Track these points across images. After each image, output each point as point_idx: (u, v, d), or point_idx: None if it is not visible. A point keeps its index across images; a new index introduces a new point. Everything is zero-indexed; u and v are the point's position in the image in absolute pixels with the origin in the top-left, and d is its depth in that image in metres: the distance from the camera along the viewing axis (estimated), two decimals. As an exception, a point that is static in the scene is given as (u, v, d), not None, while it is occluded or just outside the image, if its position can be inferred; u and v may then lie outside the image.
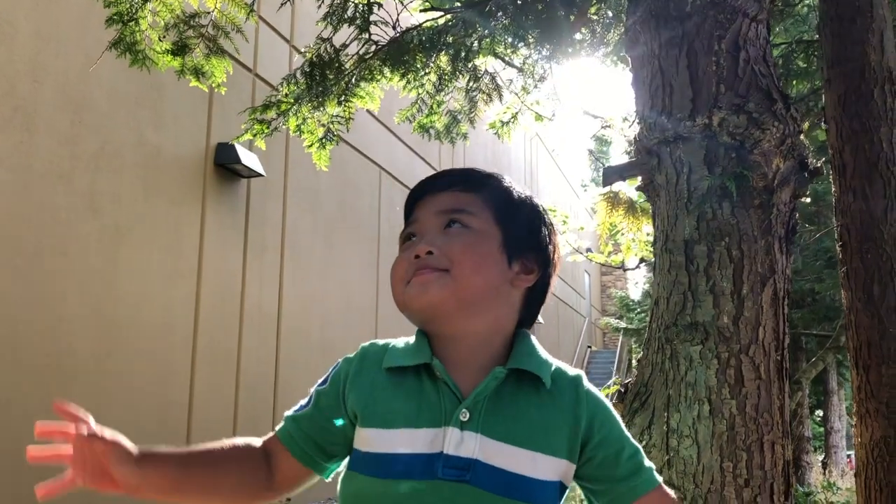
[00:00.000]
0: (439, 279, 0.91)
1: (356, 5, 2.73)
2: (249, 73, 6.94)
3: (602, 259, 5.37)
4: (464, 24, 3.10)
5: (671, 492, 1.00)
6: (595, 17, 2.44)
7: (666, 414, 1.35)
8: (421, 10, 3.00)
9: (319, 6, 2.72)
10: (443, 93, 3.31)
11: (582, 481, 0.95)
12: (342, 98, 2.81)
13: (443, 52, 3.12)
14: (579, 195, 18.75)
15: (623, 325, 11.05)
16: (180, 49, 2.82)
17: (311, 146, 2.90)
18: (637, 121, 1.58)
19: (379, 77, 3.21)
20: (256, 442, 0.98)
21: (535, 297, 1.00)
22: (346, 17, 2.76)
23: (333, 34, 2.83)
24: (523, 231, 0.99)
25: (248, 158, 6.41)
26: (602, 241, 3.10)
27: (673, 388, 1.35)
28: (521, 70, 3.26)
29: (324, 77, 2.97)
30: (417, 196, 1.00)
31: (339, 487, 0.93)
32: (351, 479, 0.91)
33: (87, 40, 5.04)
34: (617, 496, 0.94)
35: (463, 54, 3.18)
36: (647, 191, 1.54)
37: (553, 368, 0.96)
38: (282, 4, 2.51)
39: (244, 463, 0.96)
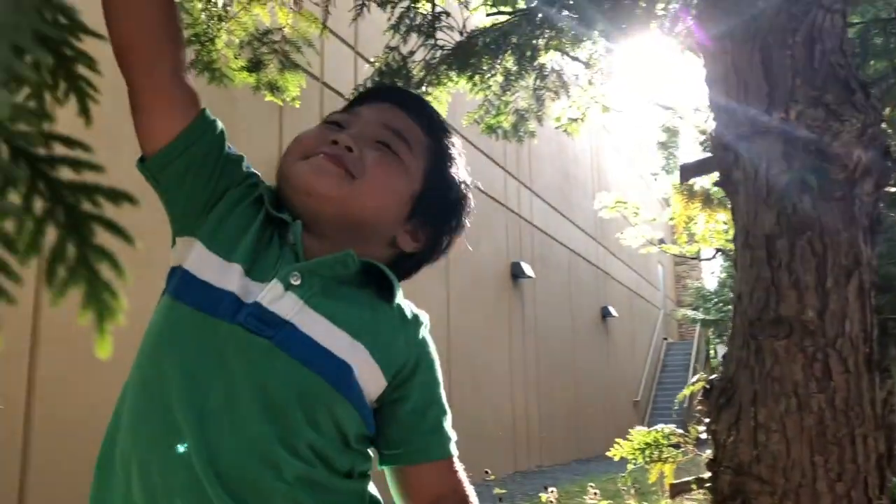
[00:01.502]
0: (340, 177, 0.86)
1: (424, 15, 2.78)
2: (317, 81, 7.09)
3: (676, 250, 5.30)
4: (529, 23, 3.12)
5: (461, 469, 0.93)
6: (663, 13, 2.43)
7: (753, 409, 1.35)
8: (487, 14, 3.03)
9: (388, 18, 2.78)
10: (509, 93, 3.33)
11: (380, 424, 0.88)
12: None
13: (508, 53, 3.15)
14: (650, 185, 18.42)
15: (700, 315, 10.85)
16: (255, 65, 2.92)
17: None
18: (712, 116, 1.58)
19: (446, 81, 3.26)
20: (182, 68, 0.87)
21: (399, 267, 0.95)
22: (413, 25, 2.82)
23: (402, 44, 2.89)
24: (440, 201, 0.95)
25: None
26: (678, 234, 3.08)
27: (759, 383, 1.35)
28: (587, 65, 3.26)
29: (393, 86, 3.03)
30: (377, 97, 0.96)
31: (155, 312, 0.86)
32: (165, 304, 0.85)
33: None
34: (409, 451, 0.89)
35: (528, 53, 3.20)
36: (726, 186, 1.54)
37: (404, 300, 0.94)
38: (353, 20, 2.57)
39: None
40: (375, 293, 0.90)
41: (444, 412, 0.93)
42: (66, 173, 0.21)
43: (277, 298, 0.82)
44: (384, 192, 0.89)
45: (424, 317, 0.96)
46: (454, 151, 1.00)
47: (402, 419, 0.89)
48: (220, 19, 2.79)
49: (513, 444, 10.96)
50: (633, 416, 17.00)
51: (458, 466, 0.93)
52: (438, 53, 3.17)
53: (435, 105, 3.31)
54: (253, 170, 0.94)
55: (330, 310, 0.84)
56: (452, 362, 9.24)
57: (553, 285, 13.17)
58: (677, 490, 1.34)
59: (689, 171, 1.57)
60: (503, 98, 3.26)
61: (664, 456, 1.37)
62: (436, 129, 0.97)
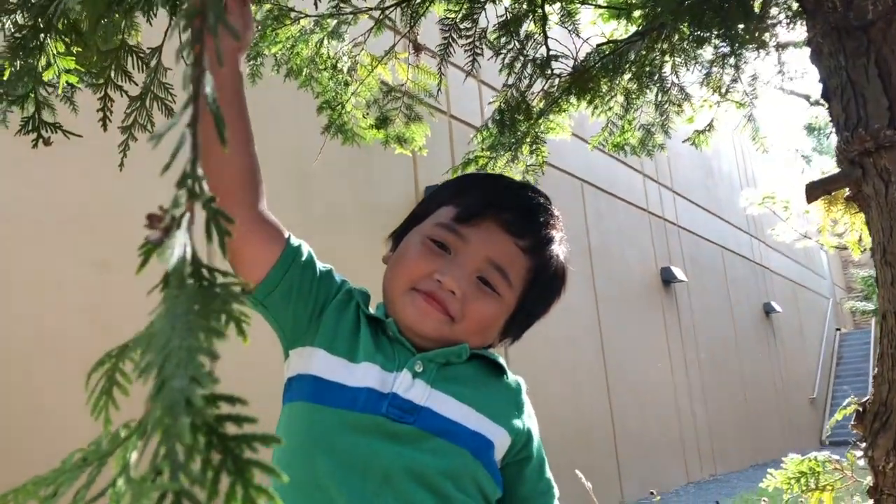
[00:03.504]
0: (441, 322, 0.96)
1: (535, 56, 2.84)
2: (444, 114, 7.29)
3: (836, 243, 5.01)
4: (644, 40, 3.11)
5: None
6: (773, 21, 2.37)
7: (911, 432, 1.31)
8: (602, 44, 3.05)
9: (502, 62, 2.87)
10: (632, 111, 3.32)
11: (507, 483, 0.98)
12: (533, 147, 2.93)
13: (627, 72, 3.15)
14: (803, 171, 17.40)
15: (871, 306, 10.10)
16: (382, 122, 3.09)
17: (512, 194, 3.08)
18: (834, 132, 1.55)
19: (566, 107, 3.30)
20: (262, 200, 0.97)
21: (509, 331, 1.06)
22: (527, 60, 2.89)
23: (518, 81, 2.97)
24: (532, 317, 1.06)
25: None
26: (824, 239, 2.94)
27: (915, 405, 1.31)
28: (708, 74, 3.20)
29: (514, 121, 3.10)
30: (483, 211, 1.00)
31: (286, 420, 0.94)
32: (302, 409, 0.93)
33: (297, 118, 5.59)
34: None
35: (647, 69, 3.18)
36: (857, 201, 1.50)
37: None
38: (466, 75, 2.68)
39: (253, 176, 0.97)
40: (482, 367, 1.01)
41: (548, 469, 1.05)
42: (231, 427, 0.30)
43: (410, 387, 0.93)
44: (481, 329, 1.00)
45: (522, 381, 1.06)
46: (555, 251, 1.06)
47: (527, 477, 1.00)
48: (347, 84, 2.98)
49: (682, 455, 10.63)
50: (810, 414, 16.00)
51: None
52: (556, 82, 3.22)
53: (557, 132, 3.36)
54: (342, 277, 1.06)
55: (452, 390, 0.95)
56: (610, 378, 9.11)
57: (708, 286, 12.71)
58: (840, 519, 1.30)
59: (816, 189, 1.54)
60: (626, 117, 3.26)
61: (822, 484, 1.33)
62: (537, 247, 1.04)
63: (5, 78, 0.97)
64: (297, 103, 5.79)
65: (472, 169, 3.03)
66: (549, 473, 1.04)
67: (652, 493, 4.63)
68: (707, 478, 10.94)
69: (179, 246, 0.30)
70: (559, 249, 1.06)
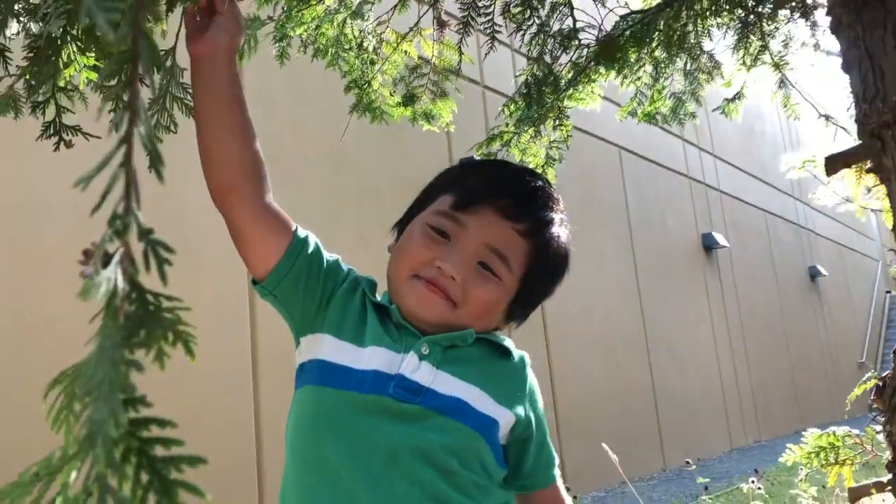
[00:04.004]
0: (444, 308, 0.99)
1: (561, 27, 2.81)
2: (478, 85, 7.25)
3: (868, 207, 4.90)
4: (671, 7, 3.05)
5: (562, 485, 1.10)
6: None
7: (928, 408, 1.30)
8: (629, 14, 3.00)
9: (522, 39, 2.84)
10: (661, 80, 3.27)
11: (511, 459, 1.01)
12: (557, 122, 2.90)
13: (654, 42, 3.10)
14: (850, 131, 16.89)
15: (920, 268, 9.84)
16: (409, 99, 3.09)
17: (537, 170, 3.05)
18: (854, 104, 1.53)
19: (595, 77, 3.26)
20: (268, 193, 1.01)
21: (513, 313, 1.08)
22: (551, 34, 2.86)
23: (545, 53, 2.94)
24: (535, 299, 1.08)
25: (490, 168, 6.70)
26: (858, 210, 2.87)
27: (932, 381, 1.30)
28: (739, 39, 3.13)
29: (541, 93, 3.08)
30: (481, 199, 1.02)
31: (296, 404, 0.98)
32: (311, 392, 0.97)
33: (329, 98, 5.62)
34: (536, 481, 1.05)
35: (676, 37, 3.13)
36: (878, 173, 1.48)
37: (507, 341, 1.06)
38: (485, 55, 2.66)
39: (258, 168, 1.00)
40: (488, 349, 1.04)
41: (549, 440, 1.08)
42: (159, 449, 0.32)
43: (416, 369, 0.96)
44: (483, 313, 1.02)
45: (527, 356, 1.09)
46: (555, 233, 1.07)
47: (531, 453, 1.03)
48: (373, 63, 2.98)
49: (725, 421, 10.57)
50: (859, 379, 15.73)
51: (561, 483, 1.10)
52: (584, 52, 3.18)
53: (587, 102, 3.33)
54: (348, 266, 1.09)
55: (457, 371, 0.97)
56: (650, 345, 9.07)
57: (751, 251, 12.51)
58: (857, 494, 1.29)
59: (836, 162, 1.51)
60: (655, 86, 3.22)
61: (841, 458, 1.32)
62: (536, 230, 1.04)
63: (27, 84, 1.00)
64: (328, 81, 5.82)
65: (497, 145, 3.03)
66: (550, 446, 1.08)
67: (688, 463, 4.62)
68: (751, 443, 10.87)
69: (107, 281, 0.32)
70: (559, 231, 1.07)
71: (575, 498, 4.58)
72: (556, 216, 1.07)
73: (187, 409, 4.28)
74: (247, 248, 1.00)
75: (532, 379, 1.08)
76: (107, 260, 0.33)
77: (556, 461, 1.09)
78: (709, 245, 10.90)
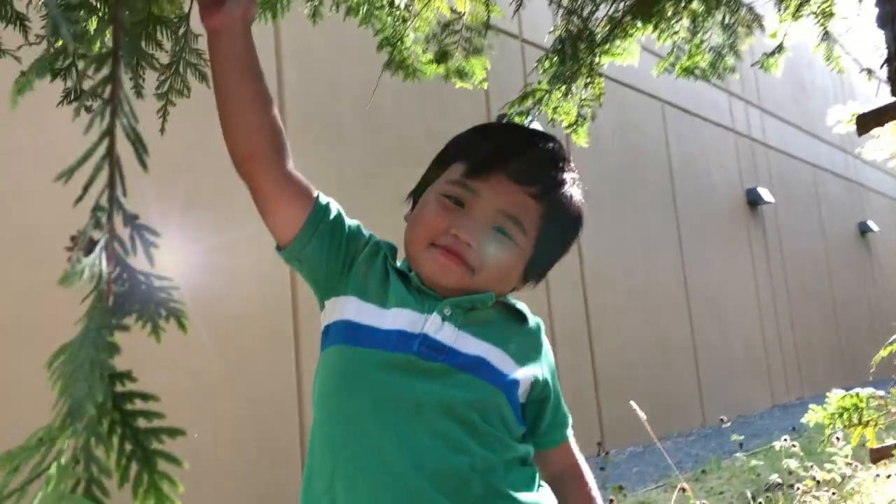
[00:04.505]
0: (462, 274, 1.01)
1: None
2: (516, 39, 7.15)
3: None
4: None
5: (575, 443, 1.14)
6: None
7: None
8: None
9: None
10: (699, 33, 3.19)
11: (529, 418, 1.05)
12: (589, 80, 2.86)
13: (693, -7, 3.02)
14: (877, 93, 16.28)
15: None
16: (442, 56, 3.07)
17: (568, 128, 3.02)
18: (886, 60, 1.49)
19: (632, 31, 3.20)
20: (289, 160, 1.02)
21: (530, 275, 1.10)
22: (585, -12, 2.81)
23: (580, 8, 2.89)
24: (551, 260, 1.10)
25: (533, 124, 6.63)
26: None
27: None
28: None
29: (575, 50, 3.04)
30: (491, 167, 1.03)
31: (323, 364, 1.02)
32: (338, 352, 1.01)
33: (366, 52, 5.61)
34: (551, 438, 1.09)
35: (715, -11, 3.04)
36: (911, 132, 1.45)
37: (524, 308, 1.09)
38: (515, 12, 2.63)
39: (277, 135, 1.01)
40: (505, 313, 1.07)
41: (563, 401, 1.12)
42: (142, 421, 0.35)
43: (439, 329, 0.99)
44: (501, 277, 1.05)
45: (541, 322, 1.13)
46: (568, 194, 1.08)
47: (547, 413, 1.08)
48: (405, 20, 2.97)
49: (767, 378, 10.49)
50: (909, 338, 15.42)
51: (573, 442, 1.14)
52: (620, 6, 3.12)
53: (625, 57, 3.27)
54: (370, 232, 1.11)
55: (479, 332, 1.01)
56: (691, 301, 9.00)
57: (797, 207, 12.24)
58: (879, 455, 1.29)
59: (868, 121, 1.48)
60: (693, 41, 3.14)
61: (865, 420, 1.32)
62: (548, 192, 1.06)
63: (47, 51, 1.03)
64: (364, 38, 5.80)
65: (529, 102, 3.01)
66: (564, 406, 1.12)
67: (722, 420, 4.62)
68: (794, 401, 10.79)
69: (90, 267, 0.34)
70: (571, 191, 1.09)
71: (607, 454, 4.62)
72: (568, 177, 1.08)
73: (230, 365, 4.41)
74: (271, 216, 1.03)
75: (546, 343, 1.11)
76: (91, 247, 0.35)
77: (570, 421, 1.13)
78: (753, 201, 10.70)
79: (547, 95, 2.95)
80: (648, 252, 8.44)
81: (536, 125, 6.88)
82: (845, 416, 1.35)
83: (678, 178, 9.18)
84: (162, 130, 1.18)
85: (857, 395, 1.35)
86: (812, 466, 3.33)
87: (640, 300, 8.14)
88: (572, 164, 1.11)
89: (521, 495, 0.97)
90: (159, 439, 0.35)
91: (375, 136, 5.71)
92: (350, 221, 1.09)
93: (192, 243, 4.52)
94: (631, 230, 8.18)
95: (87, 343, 0.34)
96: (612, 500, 2.86)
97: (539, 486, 1.03)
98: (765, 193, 10.76)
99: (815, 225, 12.83)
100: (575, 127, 2.93)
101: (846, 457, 3.31)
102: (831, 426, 1.37)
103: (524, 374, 1.02)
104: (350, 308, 1.02)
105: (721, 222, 10.06)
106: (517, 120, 2.99)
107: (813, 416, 1.42)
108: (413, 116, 6.00)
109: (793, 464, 3.64)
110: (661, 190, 8.92)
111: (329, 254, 1.04)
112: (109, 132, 0.37)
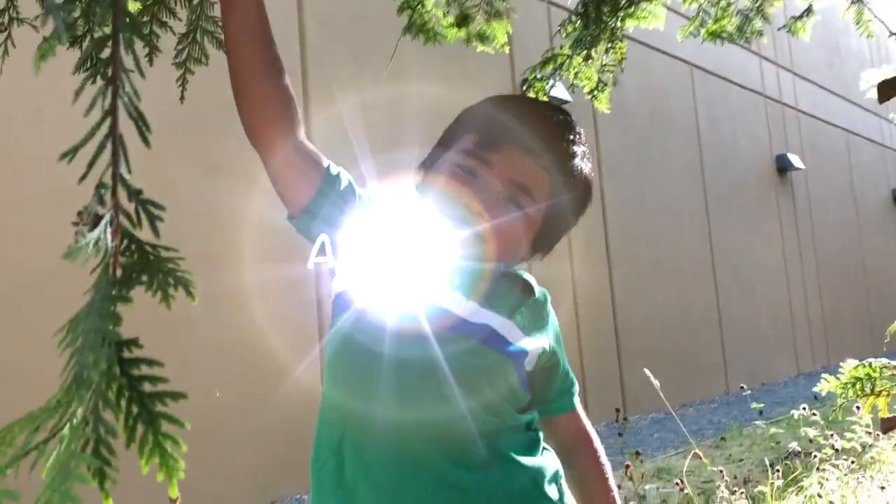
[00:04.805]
0: (472, 244, 1.03)
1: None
2: (542, 1, 7.06)
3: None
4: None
5: (583, 411, 1.16)
6: None
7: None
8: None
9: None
10: (728, -4, 3.13)
11: (537, 385, 1.07)
12: (610, 44, 2.83)
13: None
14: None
15: None
16: (463, 20, 3.05)
17: (589, 94, 2.99)
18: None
19: (659, -6, 3.15)
20: (301, 129, 1.04)
21: (539, 246, 1.12)
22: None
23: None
24: (560, 232, 1.11)
25: (555, 89, 6.57)
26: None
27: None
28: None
29: (599, 13, 3.00)
30: (504, 138, 1.04)
31: (334, 329, 1.04)
32: (348, 319, 1.02)
33: (388, 16, 5.56)
34: (559, 405, 1.12)
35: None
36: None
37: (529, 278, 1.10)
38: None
39: (289, 104, 1.02)
40: (514, 284, 1.09)
41: (570, 369, 1.15)
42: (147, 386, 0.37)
43: (448, 298, 1.02)
44: (511, 247, 1.07)
45: (547, 293, 1.14)
46: (579, 166, 1.09)
47: (553, 381, 1.10)
48: (426, -17, 2.95)
49: (793, 347, 10.43)
50: (940, 307, 15.21)
51: (581, 410, 1.16)
52: (647, -31, 3.06)
53: (650, 20, 3.22)
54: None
55: (488, 302, 1.03)
56: (717, 269, 8.95)
57: (828, 173, 12.05)
58: (889, 424, 1.30)
59: (889, 89, 1.46)
60: (720, 4, 3.09)
61: (877, 389, 1.32)
62: (558, 165, 1.07)
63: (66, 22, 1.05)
64: (386, 1, 5.76)
65: (550, 68, 2.99)
66: (572, 375, 1.15)
67: (742, 388, 4.62)
68: (819, 369, 10.73)
69: (94, 241, 0.36)
70: (581, 164, 1.10)
71: (626, 419, 4.66)
72: (579, 150, 1.09)
73: (254, 323, 4.49)
74: (282, 185, 1.05)
75: (552, 313, 1.13)
76: (96, 221, 0.37)
77: (577, 389, 1.15)
78: (783, 167, 10.55)
79: (568, 60, 2.92)
80: (674, 220, 8.38)
81: (560, 89, 6.84)
82: (858, 385, 1.35)
83: (706, 144, 9.07)
84: (182, 98, 1.20)
85: (871, 364, 1.36)
86: (832, 435, 3.33)
87: (665, 268, 8.11)
88: (584, 138, 1.11)
89: (524, 459, 1.00)
90: (163, 402, 0.38)
91: (399, 101, 5.69)
92: (360, 190, 1.11)
93: (217, 206, 4.57)
94: (656, 197, 8.12)
95: (93, 313, 0.36)
96: (628, 465, 2.90)
97: (543, 450, 1.06)
98: (795, 160, 10.60)
99: (846, 192, 12.63)
100: (596, 92, 2.91)
101: (867, 426, 3.30)
102: (843, 396, 1.37)
103: (531, 343, 1.04)
104: (360, 275, 1.05)
105: (749, 189, 9.94)
106: (538, 85, 2.97)
107: (826, 385, 1.43)
108: (437, 81, 5.97)
109: (813, 432, 3.64)
110: (687, 156, 8.82)
111: (339, 223, 1.06)
112: (112, 111, 0.39)
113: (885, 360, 1.37)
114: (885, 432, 1.34)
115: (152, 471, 0.38)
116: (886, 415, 1.37)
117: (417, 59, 5.81)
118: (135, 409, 0.37)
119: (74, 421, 0.38)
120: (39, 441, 0.39)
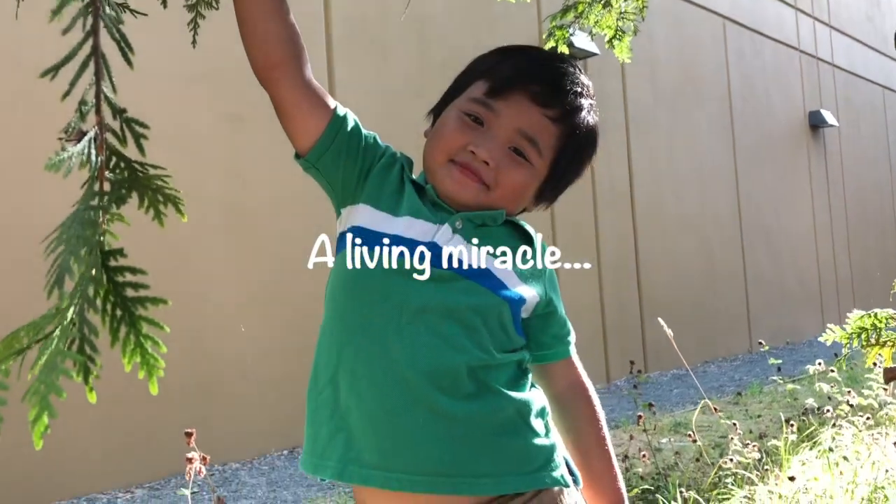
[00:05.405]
0: (477, 190, 1.05)
1: None
2: (572, -48, 6.92)
3: None
4: None
5: (578, 359, 1.16)
6: None
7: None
8: None
9: None
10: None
11: (533, 331, 1.10)
12: (632, -10, 2.77)
13: None
14: None
15: None
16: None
17: (609, 42, 2.95)
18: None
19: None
20: (308, 68, 1.06)
21: (543, 196, 1.13)
22: None
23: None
24: (564, 183, 1.12)
25: (580, 40, 6.46)
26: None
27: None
28: None
29: (624, -40, 2.95)
30: (512, 85, 1.06)
31: (336, 267, 1.07)
32: (348, 257, 1.05)
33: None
34: (555, 352, 1.13)
35: None
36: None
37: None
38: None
39: (297, 47, 1.04)
40: (514, 232, 1.11)
41: (566, 317, 1.16)
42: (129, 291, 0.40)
43: (449, 239, 1.04)
44: (515, 195, 1.08)
45: (545, 241, 1.16)
46: (587, 118, 1.10)
47: (550, 327, 1.12)
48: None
49: (819, 305, 10.35)
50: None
51: (577, 359, 1.17)
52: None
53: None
54: (386, 144, 1.15)
55: (487, 245, 1.06)
56: (744, 227, 8.86)
57: (863, 130, 11.79)
58: (892, 374, 1.30)
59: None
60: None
61: (882, 340, 1.32)
62: (565, 116, 1.08)
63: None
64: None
65: (571, 16, 2.94)
66: (568, 323, 1.16)
67: (761, 343, 4.62)
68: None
69: (78, 154, 0.38)
70: (588, 117, 1.11)
71: (640, 372, 4.68)
72: (586, 102, 1.11)
73: (276, 275, 4.56)
74: (290, 123, 1.08)
75: (549, 261, 1.15)
76: (80, 137, 0.39)
77: (573, 337, 1.17)
78: (816, 124, 10.35)
79: (588, 8, 2.87)
80: (702, 176, 8.28)
81: (588, 42, 6.73)
82: (863, 335, 1.36)
83: (736, 99, 8.91)
84: (194, 43, 1.21)
85: (876, 315, 1.36)
86: (850, 392, 3.33)
87: (691, 225, 8.05)
88: (592, 90, 1.12)
89: (511, 392, 1.03)
90: (144, 306, 0.40)
91: (424, 48, 5.65)
92: (367, 132, 1.13)
93: (241, 154, 4.61)
94: (685, 151, 8.02)
95: (78, 220, 0.38)
96: (640, 416, 2.93)
97: (532, 387, 1.09)
98: (828, 116, 10.38)
99: (881, 149, 12.37)
100: (615, 41, 2.86)
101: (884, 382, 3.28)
102: (848, 345, 1.38)
103: (528, 290, 1.06)
104: (363, 215, 1.07)
105: (780, 146, 9.78)
106: (559, 34, 2.93)
107: (831, 335, 1.44)
108: (462, 29, 5.92)
109: (830, 389, 3.64)
110: (717, 111, 8.67)
111: (346, 163, 1.08)
112: (94, 32, 0.40)
113: (890, 311, 1.37)
114: (887, 381, 1.35)
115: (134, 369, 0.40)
116: (891, 364, 1.38)
117: (443, 4, 5.76)
118: (118, 313, 0.40)
119: (65, 322, 0.41)
120: (32, 341, 0.42)
